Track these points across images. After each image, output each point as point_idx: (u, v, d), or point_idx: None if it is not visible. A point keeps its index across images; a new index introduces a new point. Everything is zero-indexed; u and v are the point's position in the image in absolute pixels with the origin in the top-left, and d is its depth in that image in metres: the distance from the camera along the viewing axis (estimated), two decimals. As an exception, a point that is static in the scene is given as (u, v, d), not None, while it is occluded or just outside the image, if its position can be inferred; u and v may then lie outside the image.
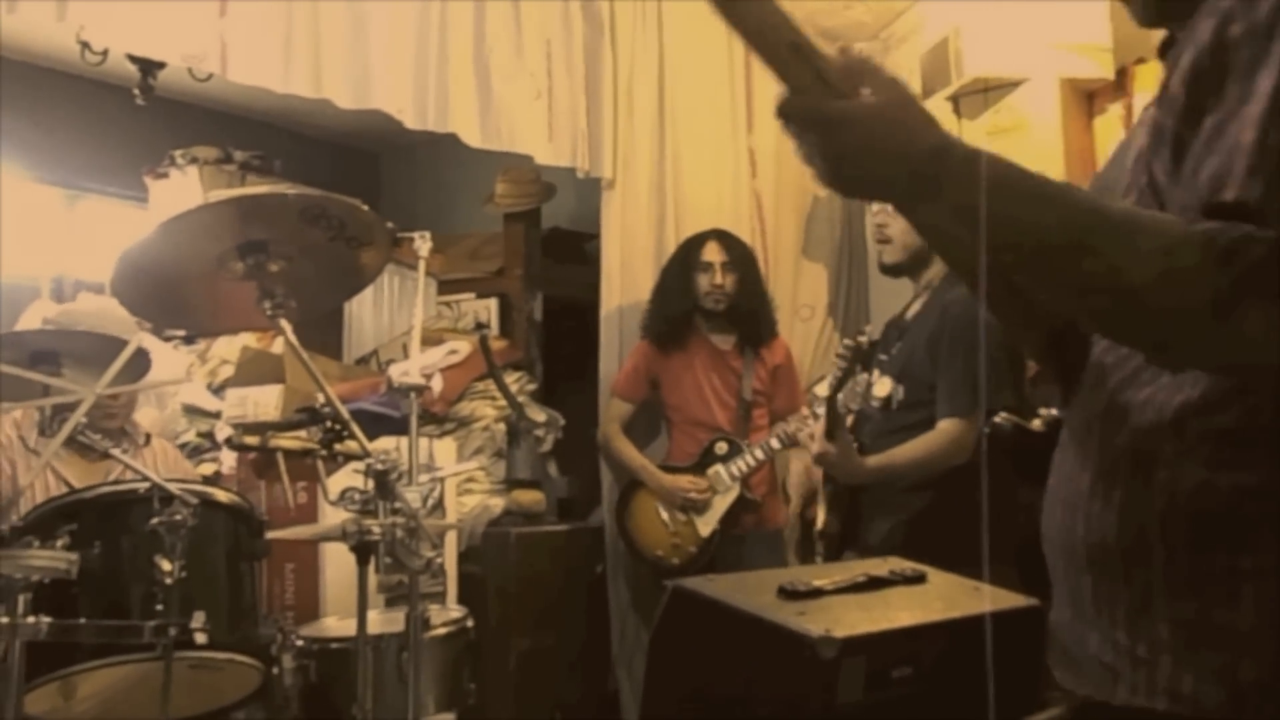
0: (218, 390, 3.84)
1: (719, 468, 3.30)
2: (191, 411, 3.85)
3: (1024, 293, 0.93)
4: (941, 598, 1.38)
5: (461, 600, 3.05)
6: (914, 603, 1.35)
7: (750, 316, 3.39)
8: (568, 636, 3.56)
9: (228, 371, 3.84)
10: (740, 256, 3.40)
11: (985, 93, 3.28)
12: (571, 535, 3.71)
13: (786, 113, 0.85)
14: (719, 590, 1.31)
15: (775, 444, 3.21)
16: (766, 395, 3.42)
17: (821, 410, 2.44)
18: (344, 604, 2.94)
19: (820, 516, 2.67)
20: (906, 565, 1.45)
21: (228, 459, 3.70)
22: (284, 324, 1.93)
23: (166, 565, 1.63)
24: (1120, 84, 3.32)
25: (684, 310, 3.40)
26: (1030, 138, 3.22)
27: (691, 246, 3.43)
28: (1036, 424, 1.23)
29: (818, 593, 1.30)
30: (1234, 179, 0.78)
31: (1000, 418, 1.21)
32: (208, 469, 3.37)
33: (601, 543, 3.65)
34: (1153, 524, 0.88)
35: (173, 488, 1.73)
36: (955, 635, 1.29)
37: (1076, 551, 0.96)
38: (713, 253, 3.37)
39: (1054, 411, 1.20)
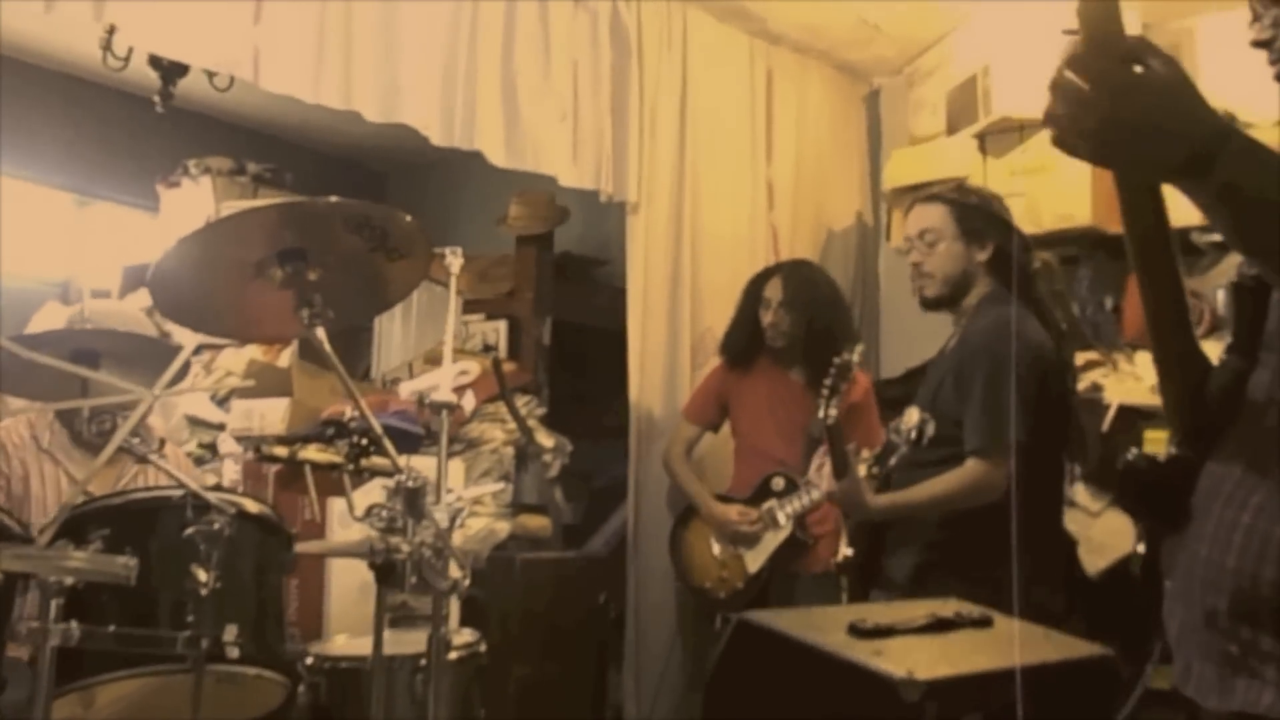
0: (222, 402, 3.79)
1: (773, 503, 3.19)
2: (195, 422, 3.79)
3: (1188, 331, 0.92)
4: (1010, 642, 1.35)
5: (463, 624, 3.00)
6: (986, 646, 1.31)
7: (816, 357, 3.17)
8: (569, 665, 3.49)
9: (233, 382, 3.79)
10: (802, 296, 3.25)
11: (1020, 130, 3.28)
12: (576, 563, 3.65)
13: (1082, 66, 0.86)
14: (788, 625, 1.27)
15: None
16: None
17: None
18: (348, 622, 2.88)
19: (840, 549, 2.63)
20: (972, 608, 1.41)
21: (228, 470, 3.64)
22: (320, 333, 1.89)
23: (202, 575, 1.58)
24: (1151, 126, 3.33)
25: (751, 340, 3.33)
26: (1057, 179, 3.22)
27: (759, 279, 3.37)
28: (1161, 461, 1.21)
29: (889, 631, 1.27)
30: None
31: (1133, 453, 1.18)
32: (208, 480, 3.30)
33: (606, 572, 3.59)
34: None
35: (211, 496, 1.67)
36: (1026, 682, 1.25)
37: (1257, 591, 0.95)
38: (773, 289, 3.29)
39: (1174, 449, 1.17)
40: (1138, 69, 0.85)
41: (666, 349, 3.63)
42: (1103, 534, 3.13)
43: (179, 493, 1.70)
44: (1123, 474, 1.15)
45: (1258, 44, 1.04)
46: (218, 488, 3.15)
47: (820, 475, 2.59)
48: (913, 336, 3.57)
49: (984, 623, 1.37)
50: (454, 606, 3.16)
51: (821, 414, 2.45)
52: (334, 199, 1.89)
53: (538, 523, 3.51)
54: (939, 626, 1.33)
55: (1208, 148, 0.84)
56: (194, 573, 1.59)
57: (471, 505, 3.47)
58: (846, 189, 4.28)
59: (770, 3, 3.77)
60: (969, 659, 1.25)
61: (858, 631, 1.25)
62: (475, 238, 4.58)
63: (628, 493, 3.60)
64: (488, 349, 4.06)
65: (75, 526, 1.50)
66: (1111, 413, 3.09)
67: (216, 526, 1.60)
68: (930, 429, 2.52)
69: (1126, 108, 0.84)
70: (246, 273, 1.88)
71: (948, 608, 1.40)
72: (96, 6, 2.31)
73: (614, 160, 3.46)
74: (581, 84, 3.38)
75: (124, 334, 2.01)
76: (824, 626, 1.28)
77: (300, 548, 2.04)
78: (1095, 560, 3.14)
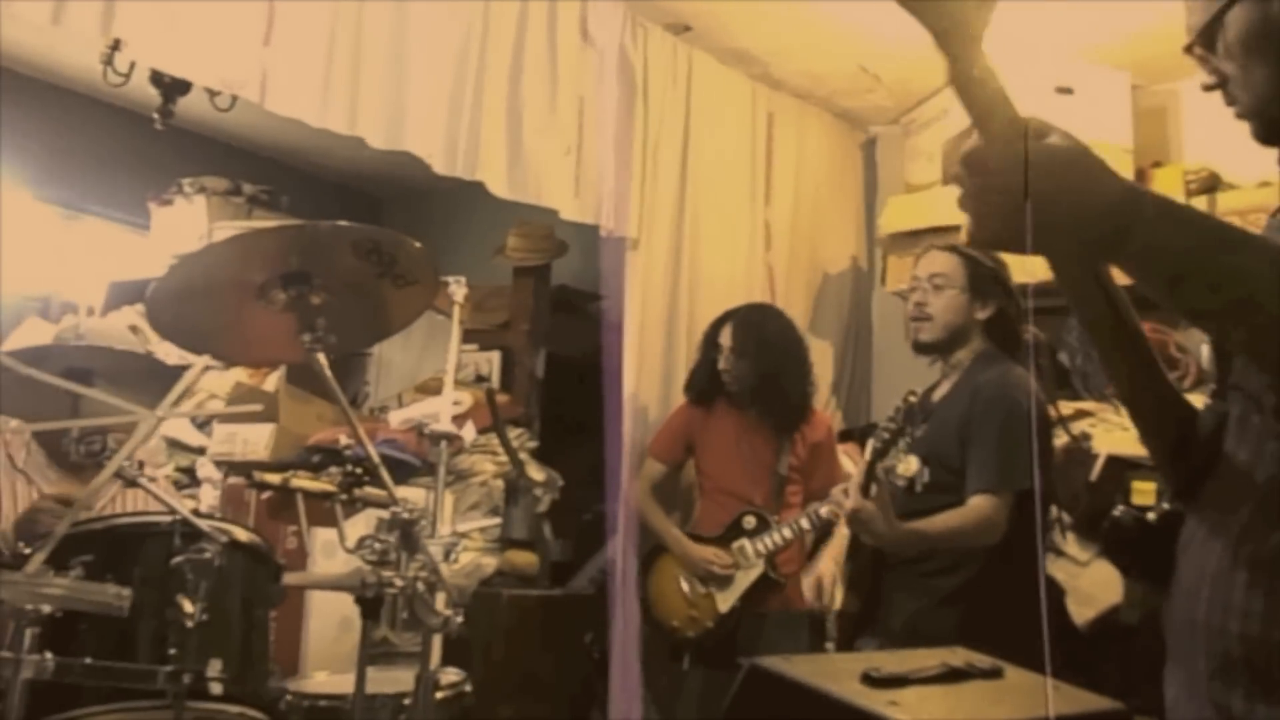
0: (202, 425, 3.73)
1: (745, 542, 3.20)
2: (174, 445, 3.73)
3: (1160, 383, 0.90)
4: (1022, 694, 1.32)
5: (446, 662, 2.93)
6: (997, 698, 1.28)
7: (771, 402, 3.28)
8: (553, 705, 3.43)
9: (216, 406, 3.73)
10: (751, 343, 3.28)
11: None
12: (563, 601, 3.59)
13: (983, 156, 0.84)
14: (803, 673, 1.23)
15: (805, 524, 3.12)
16: (803, 472, 3.33)
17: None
18: (325, 659, 2.81)
19: (838, 596, 2.60)
20: (983, 658, 1.38)
21: (206, 496, 3.58)
22: (321, 358, 1.86)
23: (189, 606, 1.51)
24: (1139, 186, 3.38)
25: (710, 383, 3.36)
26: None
27: (715, 324, 3.40)
28: (1151, 517, 1.21)
29: (903, 681, 1.24)
30: None
31: (1119, 510, 1.18)
32: (187, 505, 3.23)
33: (592, 610, 3.54)
34: None
35: (203, 524, 1.62)
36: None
37: (1228, 645, 0.94)
38: (725, 335, 3.33)
39: (1166, 505, 1.18)
40: (1042, 146, 0.83)
41: (661, 387, 3.61)
42: (1090, 584, 3.12)
43: (167, 519, 1.64)
44: (1108, 531, 1.15)
45: (1208, 88, 1.05)
46: (198, 514, 3.10)
47: (846, 496, 2.57)
48: (905, 381, 3.56)
49: (995, 673, 1.34)
50: (436, 644, 3.10)
51: (868, 456, 2.44)
52: (343, 223, 1.87)
53: (525, 559, 3.46)
54: (951, 676, 1.30)
55: (1124, 214, 0.83)
56: (180, 604, 1.52)
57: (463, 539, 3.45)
58: (842, 233, 4.30)
59: (773, 49, 3.81)
60: (985, 710, 1.22)
61: (872, 680, 1.22)
62: (471, 267, 4.52)
63: (612, 531, 3.56)
64: (481, 380, 4.03)
65: (55, 551, 1.44)
66: (1100, 463, 3.09)
67: (207, 555, 1.54)
68: (926, 476, 2.52)
69: (1035, 181, 0.81)
70: (248, 295, 1.84)
71: (958, 657, 1.37)
72: (104, 21, 2.29)
73: (616, 196, 3.46)
74: (586, 120, 3.39)
75: (119, 352, 1.96)
76: (836, 674, 1.25)
77: (295, 579, 1.98)
78: (1083, 611, 3.12)
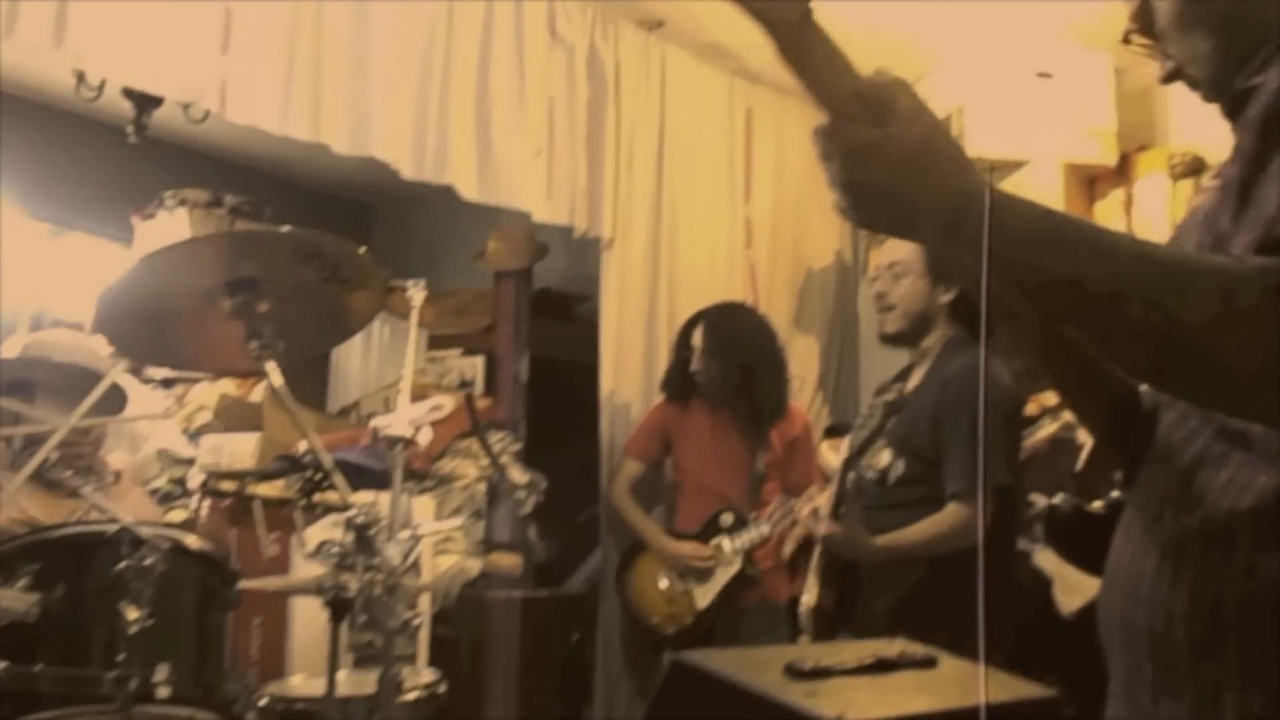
0: (194, 436, 3.74)
1: (723, 539, 3.20)
2: (165, 457, 3.74)
3: (1082, 360, 0.88)
4: (954, 684, 1.30)
5: (432, 664, 2.94)
6: (926, 688, 1.27)
7: (744, 400, 3.29)
8: (541, 707, 3.42)
9: (205, 417, 3.75)
10: (721, 343, 3.28)
11: (992, 170, 3.28)
12: (549, 602, 3.59)
13: (824, 137, 0.81)
14: (724, 665, 1.22)
15: (782, 519, 3.13)
16: (780, 469, 3.33)
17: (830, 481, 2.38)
18: (311, 662, 2.81)
19: (811, 591, 2.59)
20: (917, 648, 1.37)
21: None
22: (270, 367, 1.86)
23: (132, 613, 1.53)
24: (1122, 170, 3.35)
25: (684, 382, 3.37)
26: (1029, 217, 3.23)
27: (688, 324, 3.40)
28: (1098, 505, 1.19)
29: (826, 673, 1.22)
30: None
31: (1059, 499, 1.15)
32: (178, 516, 3.24)
33: (579, 611, 3.54)
34: (1227, 611, 0.83)
35: (144, 531, 1.63)
36: (968, 724, 1.21)
37: (1136, 639, 0.91)
38: (696, 337, 3.33)
39: (1115, 494, 1.15)
40: (876, 133, 0.79)
41: (642, 385, 3.61)
42: (1077, 574, 3.10)
43: (114, 527, 1.65)
44: (1046, 520, 1.13)
45: (1165, 79, 1.03)
46: (187, 523, 3.11)
47: (815, 517, 2.57)
48: (891, 375, 3.55)
49: (928, 663, 1.32)
50: (423, 645, 3.11)
51: (845, 454, 2.43)
52: (285, 228, 1.87)
53: (509, 561, 3.46)
54: (880, 667, 1.28)
55: (955, 208, 0.79)
56: (123, 610, 1.54)
57: (443, 542, 3.45)
58: (825, 227, 4.27)
59: (749, 43, 3.78)
60: (906, 700, 1.21)
61: (794, 672, 1.21)
62: (462, 272, 4.59)
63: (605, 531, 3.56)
64: (464, 384, 4.03)
65: (4, 561, 1.46)
66: (1085, 453, 3.07)
67: (148, 562, 1.56)
68: (900, 469, 2.51)
69: (861, 174, 0.79)
70: (195, 303, 1.85)
71: (892, 648, 1.36)
72: (57, 32, 2.30)
73: (589, 196, 3.45)
74: (557, 119, 3.38)
75: (58, 364, 1.97)
76: (761, 667, 1.24)
77: (250, 584, 1.99)
78: (1071, 599, 3.10)
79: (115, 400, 1.90)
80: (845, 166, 0.79)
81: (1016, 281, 0.80)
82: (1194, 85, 1.01)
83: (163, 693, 1.57)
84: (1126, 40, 1.08)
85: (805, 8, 0.80)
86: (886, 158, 0.79)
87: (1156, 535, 0.91)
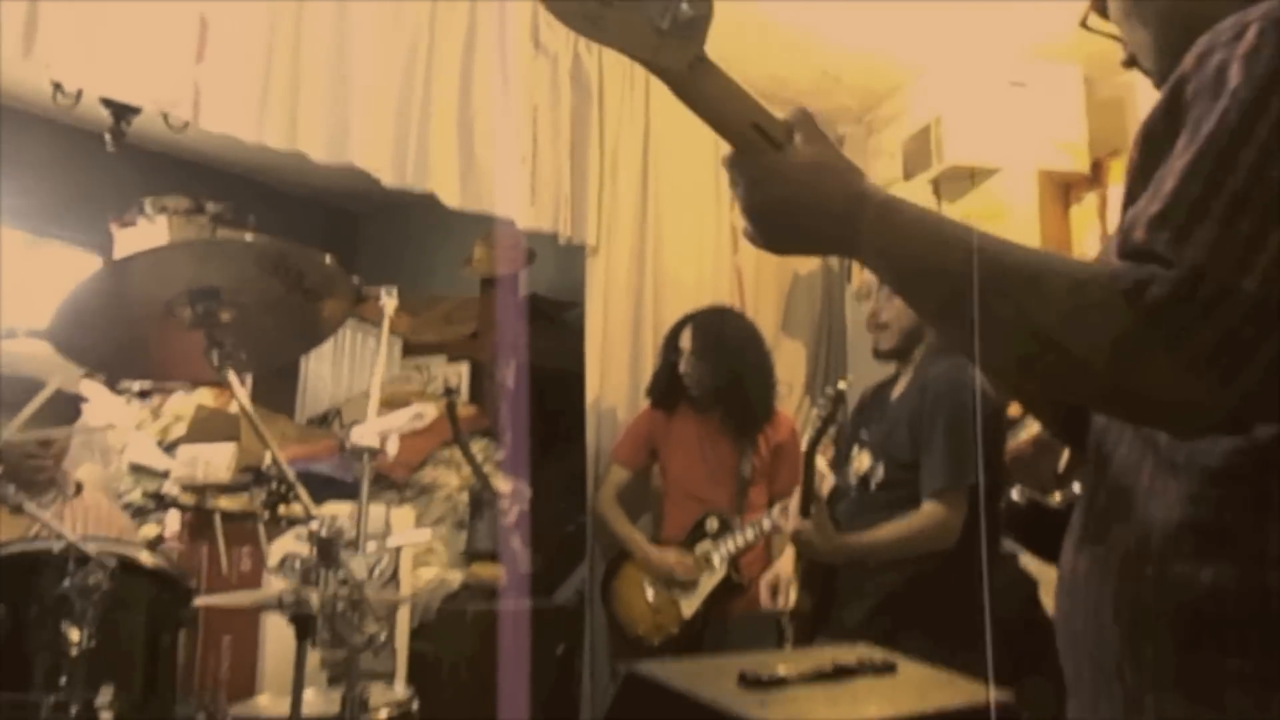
0: (169, 448, 3.70)
1: (708, 545, 3.16)
2: (138, 470, 3.70)
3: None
4: (911, 689, 1.28)
5: (411, 681, 2.89)
6: (882, 695, 1.24)
7: (732, 404, 3.26)
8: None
9: (180, 429, 3.71)
10: (710, 346, 3.26)
11: (971, 176, 3.29)
12: (534, 614, 3.54)
13: (730, 165, 0.88)
14: (675, 677, 1.20)
15: (767, 524, 3.08)
16: (766, 474, 3.30)
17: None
18: (283, 681, 2.75)
19: (791, 596, 2.56)
20: (876, 654, 1.35)
21: (172, 521, 3.54)
22: (231, 376, 1.83)
23: (74, 634, 1.48)
24: (1095, 176, 3.35)
25: (671, 387, 3.34)
26: (1008, 225, 3.25)
27: (676, 328, 3.37)
28: (1055, 499, 1.17)
29: (781, 682, 1.20)
30: (1144, 221, 0.77)
31: (1016, 494, 1.14)
32: (151, 531, 3.21)
33: (565, 623, 3.50)
34: (1145, 619, 0.83)
35: (90, 548, 1.59)
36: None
37: (1077, 642, 0.91)
38: (685, 339, 3.30)
39: (1076, 488, 1.13)
40: (773, 157, 0.86)
41: (628, 393, 3.58)
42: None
43: (60, 545, 1.61)
44: (1004, 514, 1.11)
45: (1126, 64, 1.04)
46: (160, 539, 3.07)
47: (785, 515, 2.57)
48: (879, 379, 3.53)
49: (886, 669, 1.30)
50: (401, 661, 3.06)
51: (804, 448, 2.42)
52: (248, 238, 1.85)
53: (491, 571, 3.42)
54: (837, 674, 1.26)
55: (847, 219, 0.84)
56: (65, 632, 1.49)
57: (424, 554, 3.41)
58: (812, 233, 4.25)
59: (733, 53, 3.75)
60: (859, 707, 1.19)
61: (747, 682, 1.18)
62: (449, 279, 4.56)
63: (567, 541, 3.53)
64: (449, 392, 3.99)
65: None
66: (1066, 454, 3.05)
67: (93, 580, 1.51)
68: (880, 473, 2.50)
69: (763, 195, 0.86)
70: (156, 312, 1.82)
71: (852, 654, 1.34)
72: (27, 43, 2.27)
73: (573, 203, 3.43)
74: (541, 127, 3.36)
75: (9, 377, 1.93)
76: (716, 677, 1.21)
77: (213, 600, 1.95)
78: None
79: (68, 411, 1.87)
80: (748, 193, 0.86)
81: (896, 273, 0.85)
82: (1146, 73, 1.01)
83: (105, 717, 1.52)
84: (1084, 24, 1.09)
85: (695, 53, 0.84)
86: (785, 179, 0.85)
87: (1089, 538, 0.92)
